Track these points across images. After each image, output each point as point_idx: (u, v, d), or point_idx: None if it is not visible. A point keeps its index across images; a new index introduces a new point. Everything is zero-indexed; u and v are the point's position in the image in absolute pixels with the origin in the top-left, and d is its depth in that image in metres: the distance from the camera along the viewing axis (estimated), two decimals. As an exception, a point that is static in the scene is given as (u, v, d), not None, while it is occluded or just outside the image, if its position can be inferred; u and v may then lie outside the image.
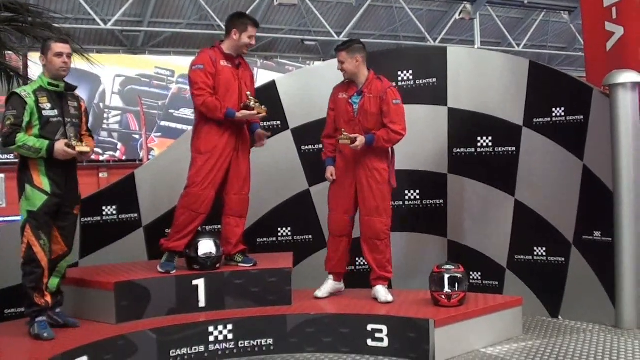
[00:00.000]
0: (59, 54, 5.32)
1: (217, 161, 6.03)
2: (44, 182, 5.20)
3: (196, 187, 6.01)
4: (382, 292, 6.14)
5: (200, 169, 6.03)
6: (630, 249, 6.08)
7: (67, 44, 5.45)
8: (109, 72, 20.81)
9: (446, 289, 5.82)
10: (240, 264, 6.11)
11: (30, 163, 5.20)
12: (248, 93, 6.06)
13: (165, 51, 21.97)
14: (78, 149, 5.24)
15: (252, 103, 6.00)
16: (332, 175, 6.23)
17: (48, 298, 5.25)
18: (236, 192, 6.18)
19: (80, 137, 5.42)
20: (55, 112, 5.28)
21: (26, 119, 5.16)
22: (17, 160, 5.34)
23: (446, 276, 5.87)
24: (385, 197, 6.16)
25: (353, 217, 6.24)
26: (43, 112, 5.21)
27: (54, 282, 5.40)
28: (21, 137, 5.11)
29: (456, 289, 5.83)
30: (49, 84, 5.31)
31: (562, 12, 23.72)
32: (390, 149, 6.25)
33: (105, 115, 21.59)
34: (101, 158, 20.84)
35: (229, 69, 6.09)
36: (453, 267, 5.97)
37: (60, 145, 5.18)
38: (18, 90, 5.29)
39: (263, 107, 6.07)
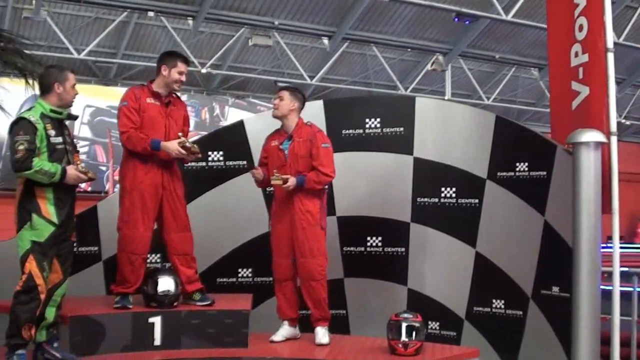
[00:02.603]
0: (74, 85, 5.34)
1: (142, 199, 5.98)
2: (51, 211, 5.15)
3: (126, 227, 5.99)
4: (319, 333, 6.15)
5: (127, 208, 6.01)
6: (587, 304, 6.10)
7: None
8: (79, 102, 20.64)
9: (403, 338, 5.81)
10: (197, 303, 6.06)
11: (37, 191, 5.14)
12: (180, 134, 6.01)
13: (137, 84, 21.85)
14: (89, 175, 5.28)
15: (187, 143, 5.98)
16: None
17: (33, 332, 5.14)
18: (175, 231, 6.13)
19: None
20: (60, 139, 5.26)
21: (37, 144, 5.11)
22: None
23: (404, 324, 5.86)
24: (318, 239, 6.21)
25: (294, 261, 6.25)
26: (50, 138, 5.17)
27: (50, 312, 5.30)
28: (37, 162, 5.06)
29: (413, 338, 5.82)
30: (52, 110, 5.25)
31: (531, 68, 24.11)
32: (322, 192, 6.34)
33: (72, 146, 21.41)
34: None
35: (155, 107, 6.08)
36: (411, 316, 5.97)
37: (72, 171, 5.19)
38: (26, 115, 5.16)
39: (195, 146, 6.04)
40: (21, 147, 5.03)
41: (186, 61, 6.25)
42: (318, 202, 6.27)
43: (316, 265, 6.18)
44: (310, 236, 6.17)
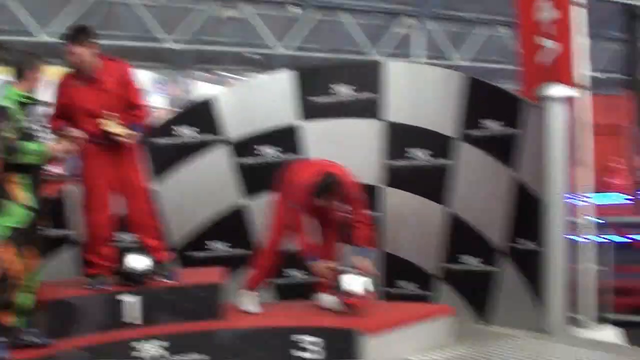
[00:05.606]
0: (40, 77, 5.30)
1: (93, 182, 5.86)
2: (25, 196, 5.07)
3: (84, 212, 5.93)
4: (329, 299, 6.18)
5: (82, 193, 5.94)
6: (558, 256, 6.20)
7: None
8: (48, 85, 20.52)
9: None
10: (165, 280, 5.97)
11: (10, 177, 5.05)
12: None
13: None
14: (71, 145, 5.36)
15: (108, 127, 5.75)
16: None
17: (9, 319, 5.09)
18: (130, 205, 5.97)
19: None
20: (31, 125, 5.19)
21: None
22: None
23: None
24: None
25: None
26: (23, 123, 5.10)
27: (25, 298, 5.19)
28: (26, 144, 5.02)
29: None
30: (21, 96, 5.16)
31: (502, 26, 24.05)
32: None
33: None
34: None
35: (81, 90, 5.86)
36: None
37: (57, 144, 5.27)
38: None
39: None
40: (7, 134, 4.96)
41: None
42: None
43: None
44: None
